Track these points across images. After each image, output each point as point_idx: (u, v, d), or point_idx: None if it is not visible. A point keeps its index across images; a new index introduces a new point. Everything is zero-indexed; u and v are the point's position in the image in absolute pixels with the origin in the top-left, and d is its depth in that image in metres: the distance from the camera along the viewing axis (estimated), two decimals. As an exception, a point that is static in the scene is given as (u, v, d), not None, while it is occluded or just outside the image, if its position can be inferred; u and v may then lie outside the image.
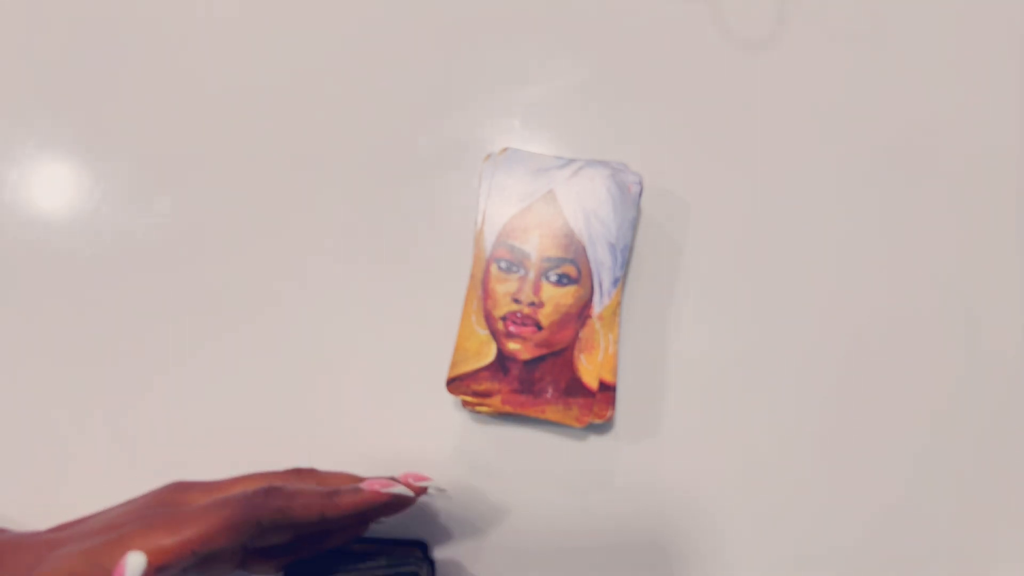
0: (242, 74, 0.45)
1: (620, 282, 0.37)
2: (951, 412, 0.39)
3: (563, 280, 0.37)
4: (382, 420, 0.39)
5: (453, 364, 0.36)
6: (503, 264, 0.38)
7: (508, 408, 0.36)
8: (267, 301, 0.41)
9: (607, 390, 0.36)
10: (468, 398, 0.36)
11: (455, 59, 0.45)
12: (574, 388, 0.36)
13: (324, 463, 0.38)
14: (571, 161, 0.39)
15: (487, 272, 0.38)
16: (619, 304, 0.37)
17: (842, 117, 0.43)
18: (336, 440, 0.38)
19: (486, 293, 0.37)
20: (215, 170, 0.43)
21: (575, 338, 0.37)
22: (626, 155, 0.43)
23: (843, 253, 0.41)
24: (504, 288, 0.37)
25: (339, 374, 0.39)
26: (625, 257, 0.38)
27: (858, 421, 0.39)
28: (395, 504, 0.32)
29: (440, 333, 0.40)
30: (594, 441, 0.38)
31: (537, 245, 0.38)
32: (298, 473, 0.32)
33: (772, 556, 0.37)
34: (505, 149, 0.39)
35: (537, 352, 0.37)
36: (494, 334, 0.37)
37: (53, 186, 0.43)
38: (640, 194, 0.38)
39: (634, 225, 0.39)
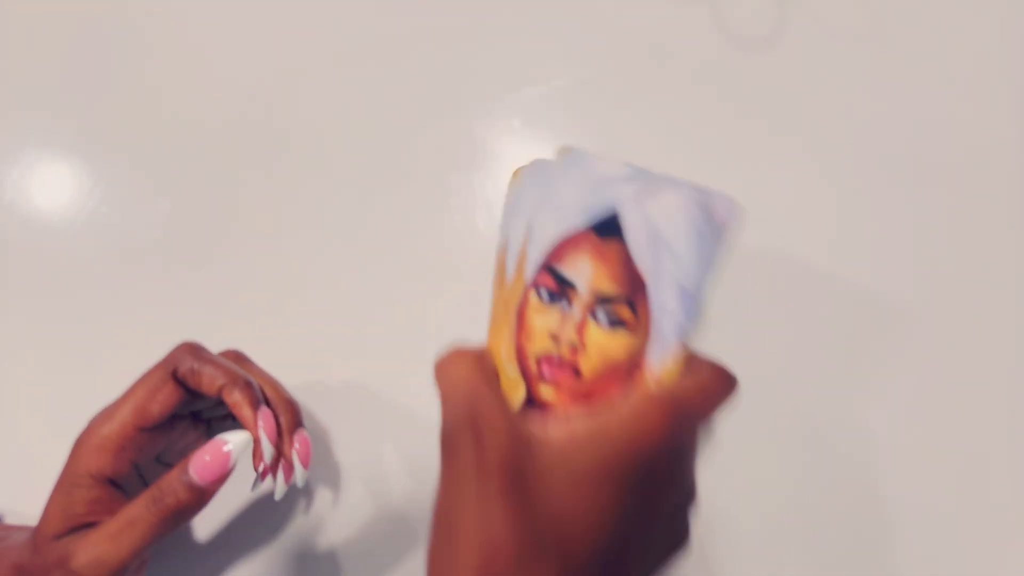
0: (242, 74, 0.45)
1: (686, 337, 0.29)
2: (953, 411, 0.39)
3: (614, 323, 0.30)
4: (382, 421, 0.39)
5: None
6: (544, 293, 0.30)
7: None
8: (267, 301, 0.41)
9: None
10: None
11: (455, 59, 0.45)
12: None
13: (324, 464, 0.39)
14: (642, 172, 0.30)
15: (524, 300, 0.31)
16: (683, 367, 0.29)
17: (842, 117, 0.44)
18: (336, 441, 0.38)
19: (520, 324, 0.31)
20: (215, 170, 0.43)
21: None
22: (626, 155, 0.38)
23: (843, 252, 0.42)
24: (543, 322, 0.30)
25: (338, 375, 0.39)
26: (699, 307, 0.29)
27: (859, 421, 0.39)
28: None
29: (440, 334, 0.37)
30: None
31: (589, 276, 0.30)
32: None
33: (772, 556, 0.37)
34: (565, 148, 0.31)
35: (574, 404, 0.30)
36: (524, 374, 0.30)
37: (53, 186, 0.44)
38: (730, 228, 0.29)
39: (717, 266, 0.30)
